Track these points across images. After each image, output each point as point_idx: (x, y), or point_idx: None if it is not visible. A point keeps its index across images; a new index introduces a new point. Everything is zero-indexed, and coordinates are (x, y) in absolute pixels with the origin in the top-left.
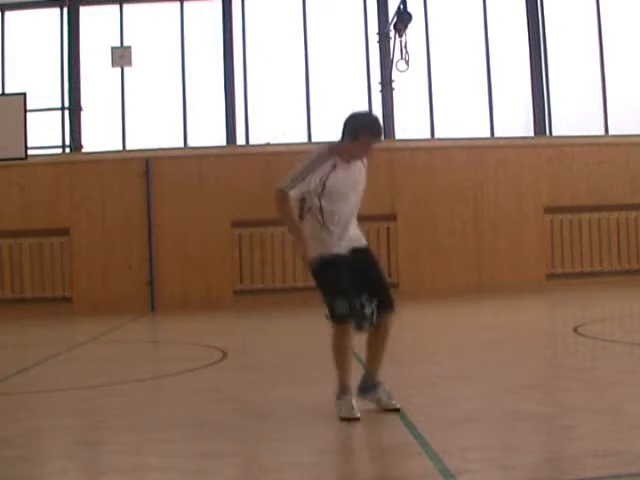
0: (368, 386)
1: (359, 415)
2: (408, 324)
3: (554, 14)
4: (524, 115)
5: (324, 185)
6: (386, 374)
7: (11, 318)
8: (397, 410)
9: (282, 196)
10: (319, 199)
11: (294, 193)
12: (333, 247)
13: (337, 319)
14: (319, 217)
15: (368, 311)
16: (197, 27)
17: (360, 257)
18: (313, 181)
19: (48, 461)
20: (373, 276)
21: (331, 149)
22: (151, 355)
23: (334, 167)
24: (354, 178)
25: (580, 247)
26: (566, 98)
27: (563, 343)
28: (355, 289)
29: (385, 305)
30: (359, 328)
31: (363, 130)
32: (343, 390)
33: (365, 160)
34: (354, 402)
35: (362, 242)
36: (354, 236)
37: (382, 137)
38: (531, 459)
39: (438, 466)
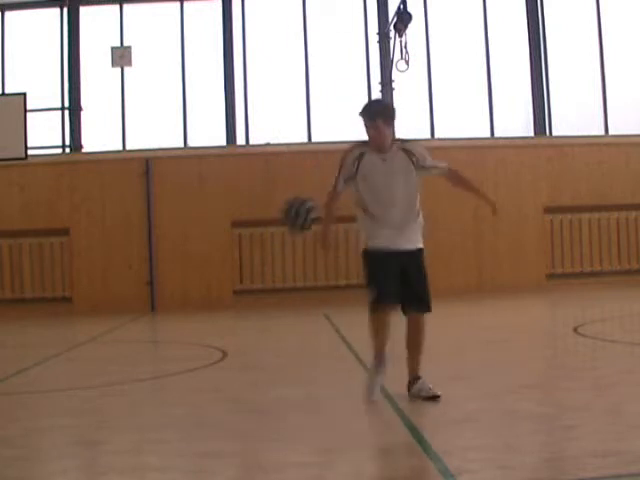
0: (410, 381)
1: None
2: None
3: (554, 14)
4: (524, 115)
5: (357, 170)
6: (387, 374)
7: (11, 318)
8: (436, 397)
9: (329, 195)
10: (358, 184)
11: (340, 188)
12: (377, 239)
13: (369, 304)
14: (363, 205)
15: (299, 221)
16: (197, 27)
17: (404, 261)
18: (347, 170)
19: (48, 461)
20: (408, 281)
21: (356, 143)
22: (151, 355)
23: (362, 155)
24: (391, 168)
25: (580, 247)
26: (566, 98)
27: (563, 343)
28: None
29: (412, 306)
30: (291, 231)
31: (360, 114)
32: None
33: (412, 150)
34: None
35: (411, 245)
36: (402, 237)
37: (369, 116)
38: (531, 459)
39: (438, 466)
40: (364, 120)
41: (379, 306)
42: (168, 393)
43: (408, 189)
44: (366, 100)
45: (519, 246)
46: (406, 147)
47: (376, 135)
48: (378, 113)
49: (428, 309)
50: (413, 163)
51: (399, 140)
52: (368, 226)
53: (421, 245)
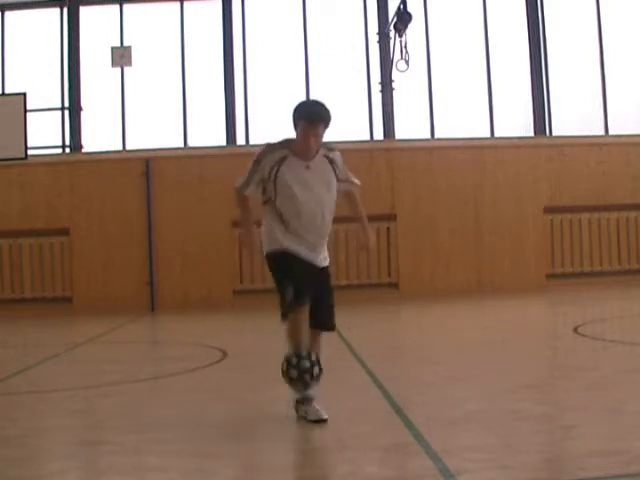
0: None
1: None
2: (408, 324)
3: (554, 14)
4: (524, 115)
5: (276, 176)
6: (386, 374)
7: (11, 318)
8: (322, 421)
9: (238, 196)
10: (274, 191)
11: (249, 191)
12: (286, 242)
13: (286, 308)
14: (277, 212)
15: (315, 371)
16: (197, 27)
17: (316, 275)
18: (261, 173)
19: (48, 461)
20: (320, 299)
21: (281, 143)
22: (151, 355)
23: (284, 158)
24: (315, 178)
25: (580, 247)
26: (566, 98)
27: (563, 343)
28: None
29: (320, 325)
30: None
31: (300, 116)
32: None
33: (335, 160)
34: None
35: (324, 262)
36: (316, 256)
37: (319, 123)
38: (531, 459)
39: (438, 466)
40: (307, 126)
41: (295, 306)
42: (168, 393)
43: (330, 203)
44: (306, 101)
45: (519, 246)
46: (329, 155)
47: (315, 143)
48: (325, 119)
49: (333, 328)
50: (336, 174)
51: (323, 144)
52: (279, 234)
53: (328, 262)
